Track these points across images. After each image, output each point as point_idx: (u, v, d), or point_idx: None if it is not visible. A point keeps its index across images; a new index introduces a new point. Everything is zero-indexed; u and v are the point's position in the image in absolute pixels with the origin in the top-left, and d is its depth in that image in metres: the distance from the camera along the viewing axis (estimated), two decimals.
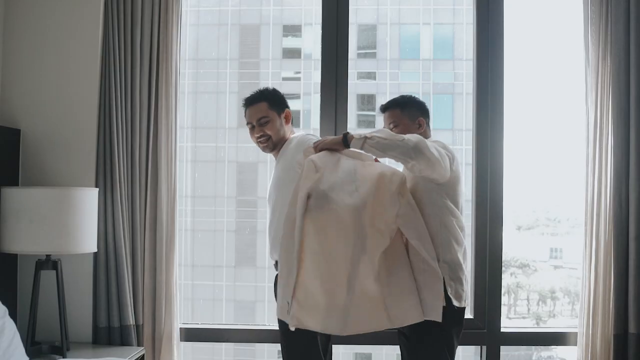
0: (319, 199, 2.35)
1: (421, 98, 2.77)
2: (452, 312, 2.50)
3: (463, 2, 3.83)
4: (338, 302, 2.35)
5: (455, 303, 2.49)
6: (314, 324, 2.36)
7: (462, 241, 2.56)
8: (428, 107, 2.73)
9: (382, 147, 2.36)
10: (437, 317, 2.41)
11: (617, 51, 2.99)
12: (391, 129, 2.66)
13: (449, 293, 2.49)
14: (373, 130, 2.41)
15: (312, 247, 2.34)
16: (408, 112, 2.68)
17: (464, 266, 2.55)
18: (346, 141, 2.43)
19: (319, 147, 2.50)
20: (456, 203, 2.56)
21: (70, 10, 3.03)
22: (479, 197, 3.15)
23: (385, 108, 2.72)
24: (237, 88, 4.04)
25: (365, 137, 2.37)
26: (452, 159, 2.52)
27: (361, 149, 2.40)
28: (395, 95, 2.76)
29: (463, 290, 2.52)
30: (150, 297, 3.00)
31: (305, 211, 2.34)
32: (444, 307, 2.46)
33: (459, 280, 2.52)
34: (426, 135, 2.67)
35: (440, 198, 2.52)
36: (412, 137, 2.37)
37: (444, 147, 2.54)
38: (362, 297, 2.37)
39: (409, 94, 2.75)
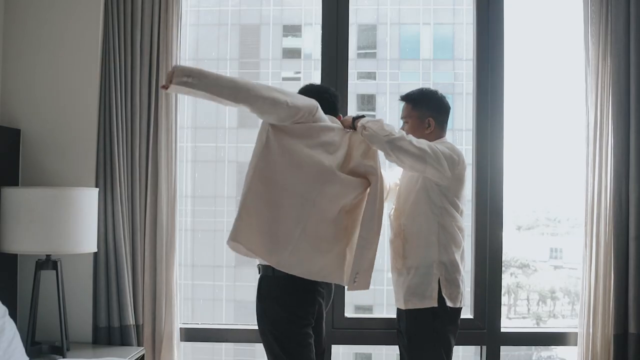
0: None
1: None
2: (446, 312, 2.51)
3: (463, 2, 3.83)
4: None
5: (449, 303, 2.50)
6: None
7: (460, 242, 2.57)
8: (448, 105, 2.69)
9: (370, 138, 2.46)
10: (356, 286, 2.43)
11: (617, 51, 2.99)
12: (404, 124, 2.69)
13: (443, 294, 2.50)
14: (374, 119, 2.49)
15: None
16: (419, 110, 2.65)
17: (461, 267, 2.56)
18: (354, 125, 2.53)
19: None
20: (456, 205, 2.56)
21: (70, 11, 3.03)
22: (479, 197, 3.15)
23: (401, 99, 2.72)
24: None
25: (363, 126, 2.47)
26: (456, 162, 2.51)
27: (361, 134, 2.49)
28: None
29: (459, 291, 2.53)
30: (150, 297, 3.00)
31: None
32: (436, 307, 2.48)
33: (454, 282, 2.52)
34: (438, 135, 2.64)
35: (440, 199, 2.53)
36: (395, 133, 2.42)
37: (451, 149, 2.53)
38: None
39: (431, 89, 2.71)
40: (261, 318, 2.46)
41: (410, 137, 2.45)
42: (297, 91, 2.61)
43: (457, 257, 2.55)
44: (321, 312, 2.57)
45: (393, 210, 2.68)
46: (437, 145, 2.50)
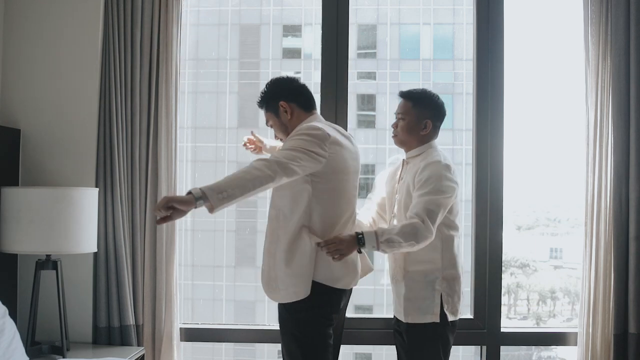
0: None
1: None
2: (447, 323, 2.51)
3: (463, 2, 3.83)
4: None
5: (451, 318, 2.50)
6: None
7: (460, 256, 2.58)
8: (446, 109, 2.64)
9: (391, 247, 2.40)
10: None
11: (617, 51, 2.99)
12: (398, 120, 2.63)
13: (445, 309, 2.49)
14: (391, 242, 2.40)
15: None
16: (418, 109, 2.59)
17: (462, 279, 2.56)
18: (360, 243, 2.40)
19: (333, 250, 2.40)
20: (454, 216, 2.56)
21: (70, 10, 3.03)
22: (479, 197, 3.15)
23: (401, 95, 2.65)
24: (237, 88, 4.04)
25: (379, 243, 2.38)
26: (455, 182, 2.51)
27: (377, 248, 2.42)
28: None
29: (460, 303, 2.55)
30: (150, 297, 3.00)
31: None
32: (436, 322, 2.49)
33: (457, 294, 2.53)
34: (430, 138, 2.61)
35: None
36: (410, 234, 2.38)
37: (447, 170, 2.49)
38: None
39: (433, 92, 2.65)
40: (284, 317, 2.43)
41: (420, 231, 2.38)
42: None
43: (459, 271, 2.55)
44: (343, 313, 2.58)
45: (394, 221, 2.62)
46: (434, 178, 2.46)
